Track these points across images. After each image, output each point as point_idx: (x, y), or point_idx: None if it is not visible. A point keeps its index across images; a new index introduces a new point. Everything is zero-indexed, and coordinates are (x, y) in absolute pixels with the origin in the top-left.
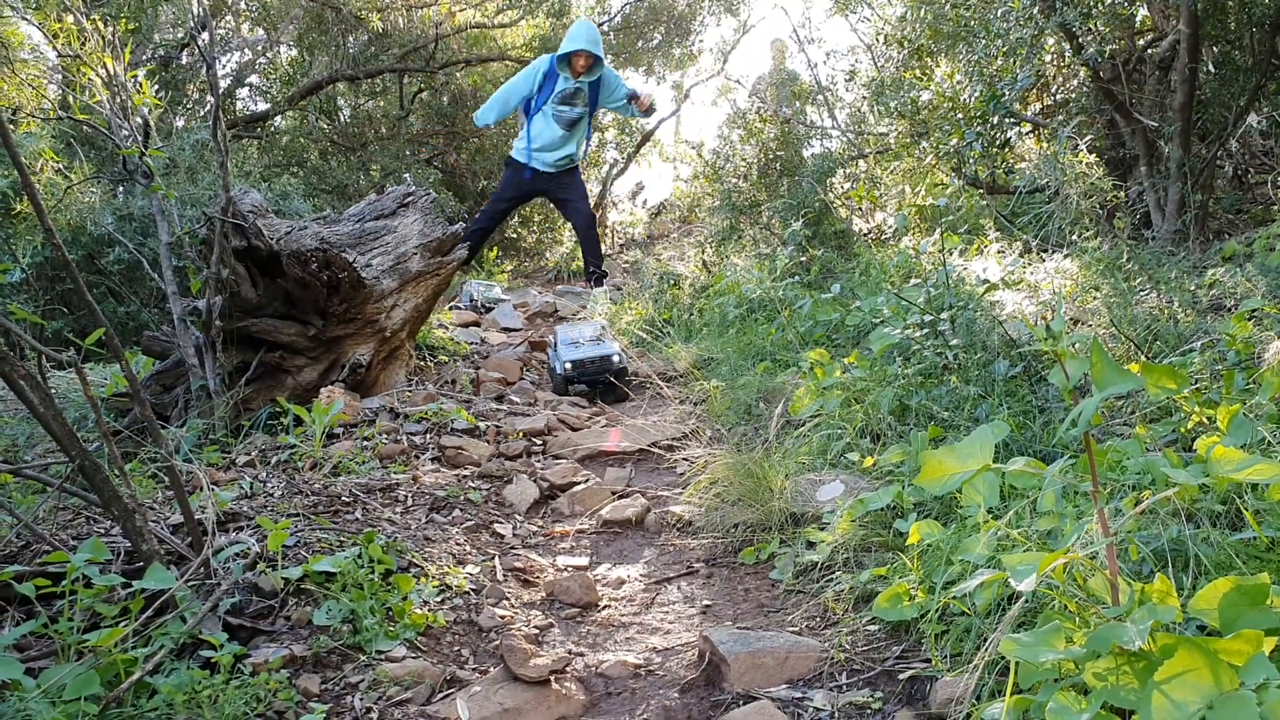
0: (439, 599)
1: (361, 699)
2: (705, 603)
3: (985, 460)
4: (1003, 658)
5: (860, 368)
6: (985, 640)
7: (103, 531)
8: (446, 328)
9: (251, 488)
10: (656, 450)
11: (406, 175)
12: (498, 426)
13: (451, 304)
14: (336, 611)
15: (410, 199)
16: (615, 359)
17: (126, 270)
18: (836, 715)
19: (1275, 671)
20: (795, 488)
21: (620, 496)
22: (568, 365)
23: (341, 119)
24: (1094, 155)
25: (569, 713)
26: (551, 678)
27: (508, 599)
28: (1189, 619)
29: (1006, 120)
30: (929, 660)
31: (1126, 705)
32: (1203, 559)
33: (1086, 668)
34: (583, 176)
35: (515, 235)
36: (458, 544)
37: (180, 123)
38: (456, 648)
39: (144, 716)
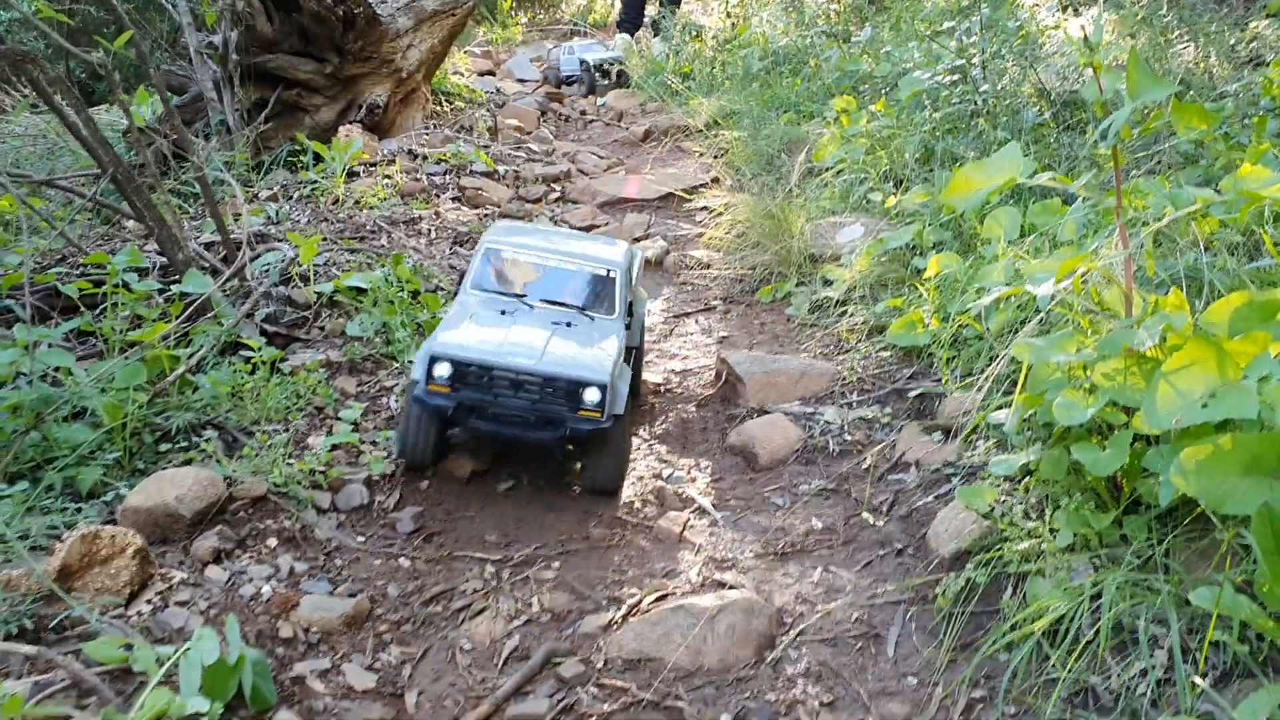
0: None
1: (396, 400)
2: (722, 334)
3: (1012, 175)
4: (1012, 374)
5: (887, 115)
6: (997, 358)
7: (139, 249)
8: (463, 74)
9: (277, 215)
10: (677, 196)
11: None
12: (516, 171)
13: (542, 71)
14: (369, 324)
15: None
16: (593, 390)
17: (138, 8)
18: (846, 427)
19: (1279, 368)
20: (815, 231)
21: (639, 239)
22: (441, 373)
23: None
24: None
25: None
26: None
27: None
28: (1199, 331)
29: None
30: (939, 380)
31: (1132, 403)
32: (1218, 286)
33: (1095, 369)
34: None
35: None
36: None
37: None
38: None
39: (190, 407)
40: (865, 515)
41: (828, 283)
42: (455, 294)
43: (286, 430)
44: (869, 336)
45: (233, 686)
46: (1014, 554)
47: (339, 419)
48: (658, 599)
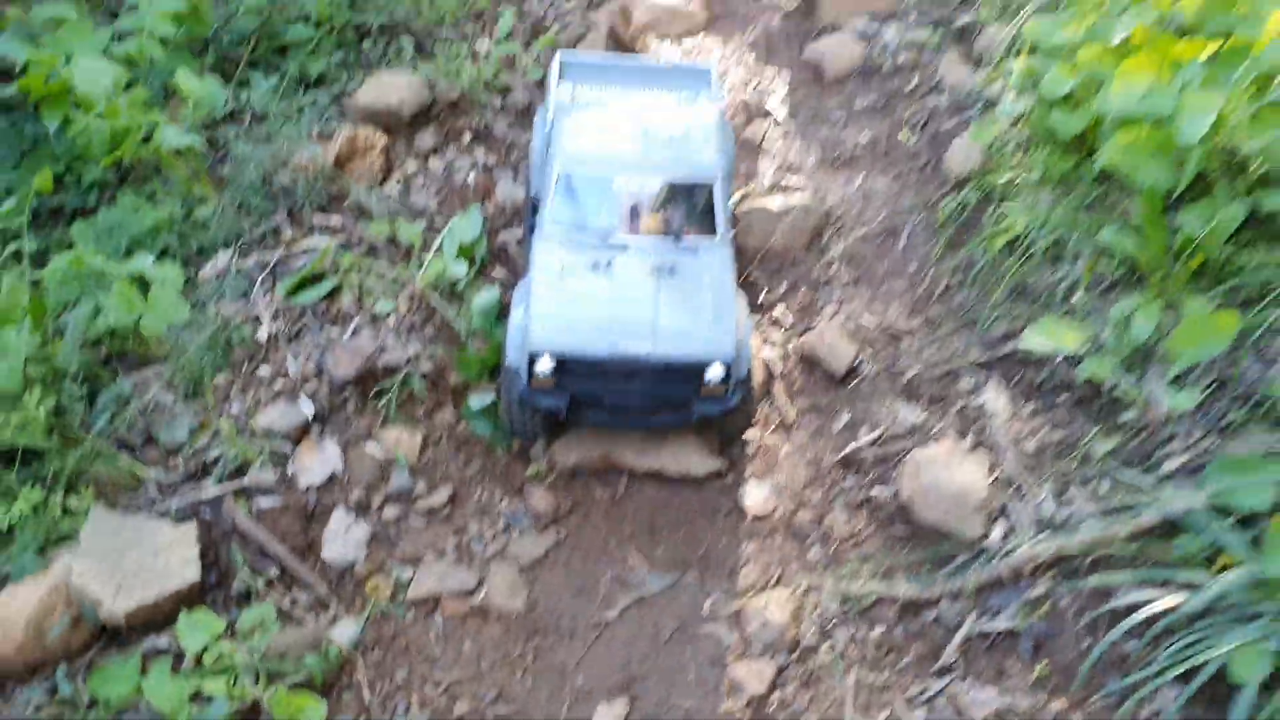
0: None
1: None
2: None
3: None
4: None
5: None
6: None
7: None
8: None
9: None
10: None
11: None
12: None
13: None
14: None
15: None
16: (717, 368)
17: None
18: (900, 48)
19: (1200, 74)
20: None
21: None
22: (544, 369)
23: None
24: None
25: (692, 27)
26: None
27: None
28: (1172, 21)
29: None
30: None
31: (1101, 79)
32: None
33: (1080, 52)
34: None
35: None
36: None
37: None
38: None
39: (381, 9)
40: (904, 132)
41: None
42: (530, 221)
43: (462, 38)
44: None
45: (476, 259)
46: (999, 184)
47: (496, 21)
48: (741, 199)
